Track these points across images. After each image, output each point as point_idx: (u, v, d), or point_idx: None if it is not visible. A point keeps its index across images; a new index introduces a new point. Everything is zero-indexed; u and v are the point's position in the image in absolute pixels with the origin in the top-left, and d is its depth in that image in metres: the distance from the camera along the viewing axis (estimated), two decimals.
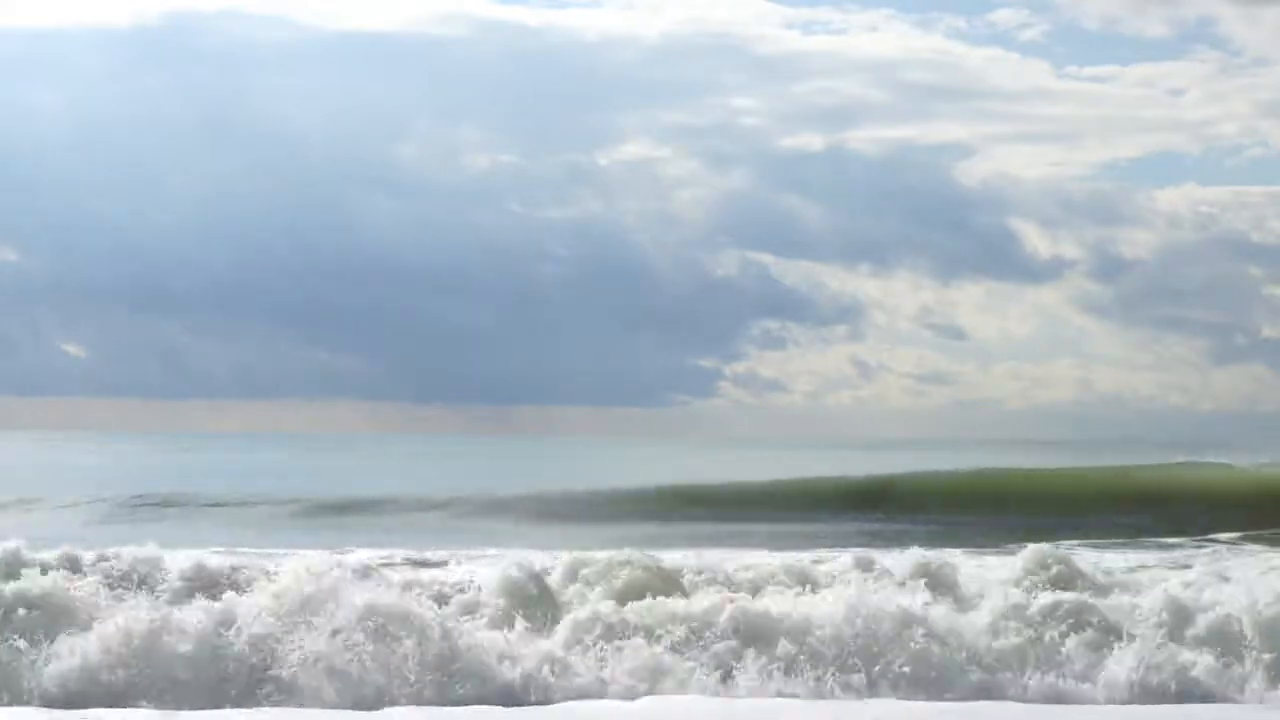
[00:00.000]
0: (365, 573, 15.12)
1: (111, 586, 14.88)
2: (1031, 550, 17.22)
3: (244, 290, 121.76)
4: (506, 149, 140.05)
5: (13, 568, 14.75)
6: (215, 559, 16.49)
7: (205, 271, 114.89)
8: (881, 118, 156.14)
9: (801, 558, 18.50)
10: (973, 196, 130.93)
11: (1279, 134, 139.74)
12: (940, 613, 14.59)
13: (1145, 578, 18.06)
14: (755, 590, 15.64)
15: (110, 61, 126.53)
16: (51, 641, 13.36)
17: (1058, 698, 13.83)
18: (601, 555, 16.28)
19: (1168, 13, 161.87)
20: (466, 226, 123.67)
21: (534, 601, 15.00)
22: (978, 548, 23.84)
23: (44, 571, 14.64)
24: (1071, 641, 14.31)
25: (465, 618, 14.44)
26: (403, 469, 68.80)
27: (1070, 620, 14.53)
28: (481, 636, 13.90)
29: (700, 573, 16.27)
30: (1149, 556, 24.25)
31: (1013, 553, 18.74)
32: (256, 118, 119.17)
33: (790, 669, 13.79)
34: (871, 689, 13.66)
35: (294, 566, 14.29)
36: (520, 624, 14.25)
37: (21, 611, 13.73)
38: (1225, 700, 13.79)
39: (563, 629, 14.30)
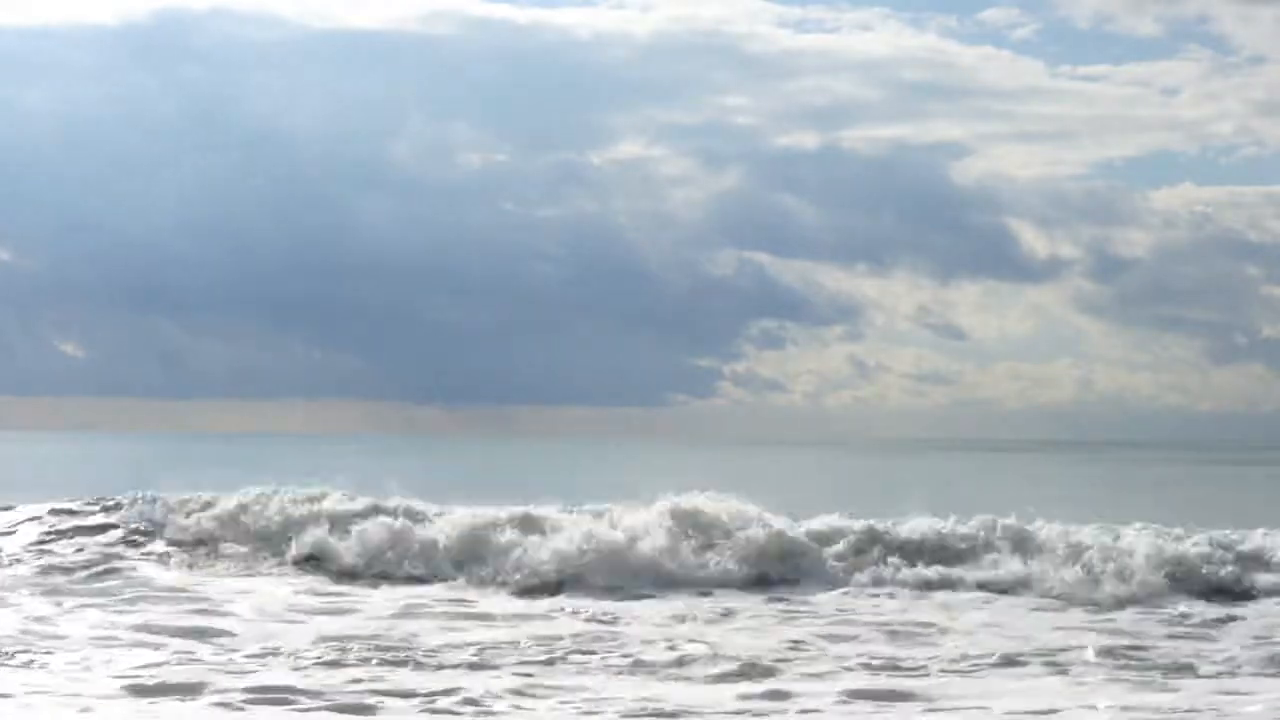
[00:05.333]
0: None
1: None
2: None
3: (240, 290, 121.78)
4: (499, 148, 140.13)
5: None
6: None
7: (200, 271, 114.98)
8: (875, 117, 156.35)
9: None
10: (968, 196, 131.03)
11: (1274, 133, 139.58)
12: None
13: None
14: None
15: (100, 60, 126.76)
16: None
17: None
18: None
19: (1160, 11, 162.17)
20: (460, 226, 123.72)
21: None
22: None
23: None
24: None
25: None
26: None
27: None
28: None
29: None
30: None
31: None
32: (248, 116, 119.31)
33: None
34: None
35: None
36: None
37: None
38: None
39: None
